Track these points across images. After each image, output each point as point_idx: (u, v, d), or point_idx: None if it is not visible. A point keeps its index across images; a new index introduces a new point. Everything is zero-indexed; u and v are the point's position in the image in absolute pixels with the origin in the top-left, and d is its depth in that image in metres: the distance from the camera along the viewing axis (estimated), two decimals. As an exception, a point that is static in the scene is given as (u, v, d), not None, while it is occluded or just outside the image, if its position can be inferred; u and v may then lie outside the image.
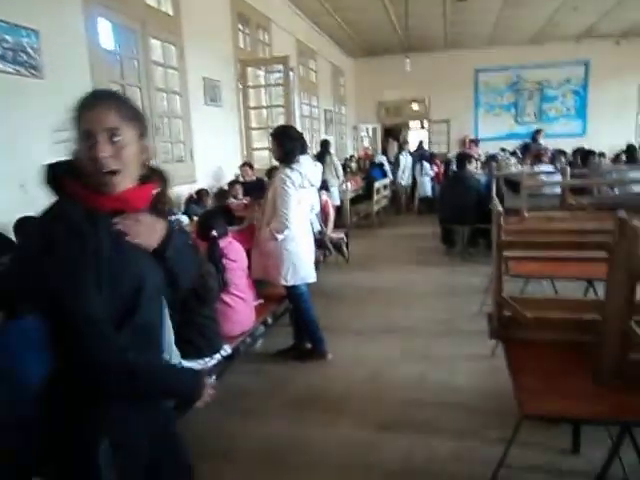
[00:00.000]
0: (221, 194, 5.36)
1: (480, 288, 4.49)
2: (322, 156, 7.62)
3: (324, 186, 5.97)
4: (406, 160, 10.21)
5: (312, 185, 3.45)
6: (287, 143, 3.25)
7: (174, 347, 2.44)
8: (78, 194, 1.13)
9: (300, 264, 3.40)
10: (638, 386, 1.47)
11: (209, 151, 5.88)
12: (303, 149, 3.33)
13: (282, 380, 3.34)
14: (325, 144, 8.01)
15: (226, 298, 3.09)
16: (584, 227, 2.03)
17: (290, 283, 3.40)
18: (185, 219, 4.51)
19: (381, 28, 10.29)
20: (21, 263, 1.17)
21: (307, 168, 3.32)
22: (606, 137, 11.55)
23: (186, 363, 2.55)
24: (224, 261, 3.08)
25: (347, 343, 3.86)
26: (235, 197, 5.59)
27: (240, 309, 3.13)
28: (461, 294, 4.85)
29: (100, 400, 1.12)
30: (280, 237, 3.27)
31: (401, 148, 10.60)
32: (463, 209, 6.09)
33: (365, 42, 11.75)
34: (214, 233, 3.02)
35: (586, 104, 12.94)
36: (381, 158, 10.52)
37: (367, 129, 14.33)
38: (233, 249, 3.18)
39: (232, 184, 5.78)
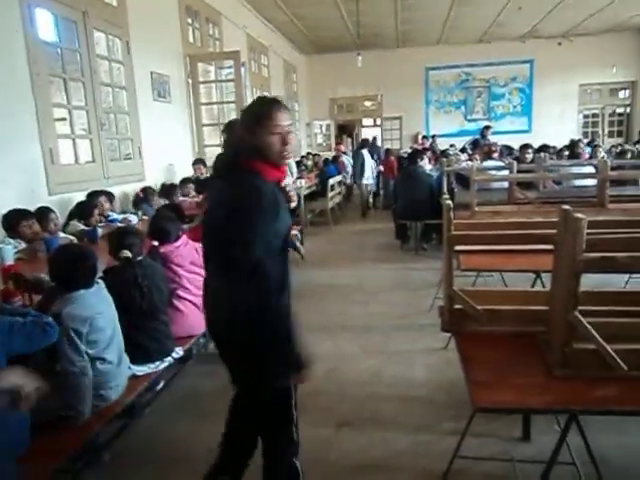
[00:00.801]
0: (167, 190, 5.20)
1: (434, 282, 4.56)
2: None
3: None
4: (369, 158, 9.99)
5: None
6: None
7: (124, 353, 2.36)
8: (259, 169, 1.63)
9: None
10: (583, 375, 1.51)
11: (159, 148, 5.72)
12: None
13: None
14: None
15: (177, 303, 3.02)
16: (531, 220, 2.08)
17: None
18: (134, 218, 4.36)
19: (333, 25, 10.30)
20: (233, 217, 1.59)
21: None
22: (550, 133, 12.00)
23: (136, 367, 2.47)
24: (172, 267, 3.00)
25: (306, 340, 3.83)
26: (187, 195, 5.48)
27: (191, 313, 3.05)
28: (416, 289, 4.92)
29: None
30: None
31: (362, 145, 10.26)
32: (416, 205, 6.17)
33: (317, 38, 11.74)
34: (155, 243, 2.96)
35: (531, 102, 13.41)
36: (345, 156, 10.52)
37: (320, 126, 14.33)
38: (179, 254, 3.08)
39: (184, 182, 5.65)
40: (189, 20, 6.68)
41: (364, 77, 12.30)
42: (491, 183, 5.23)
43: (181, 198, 5.31)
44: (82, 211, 3.94)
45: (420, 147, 9.71)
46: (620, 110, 13.65)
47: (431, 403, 2.88)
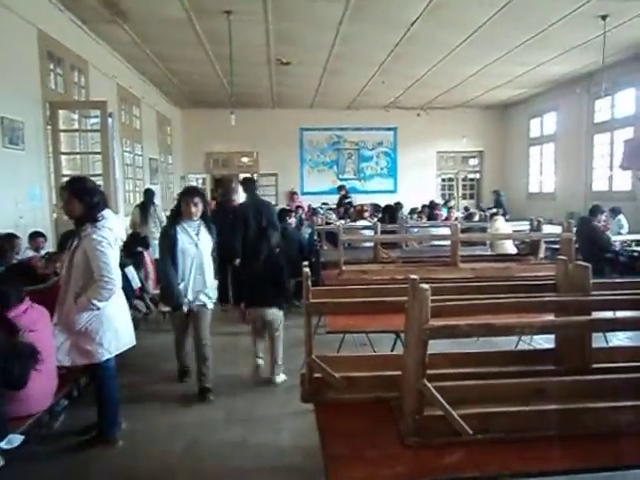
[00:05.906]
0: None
1: (304, 341, 4.54)
2: (145, 206, 7.24)
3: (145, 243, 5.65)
4: None
5: (119, 240, 3.16)
6: (88, 198, 2.90)
7: None
8: None
9: (123, 327, 3.08)
10: (434, 442, 1.53)
11: (8, 199, 5.17)
12: (105, 202, 3.04)
13: (87, 462, 2.93)
14: (149, 194, 7.62)
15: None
16: (388, 287, 2.16)
17: (114, 353, 3.02)
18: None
19: (208, 82, 10.38)
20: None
21: (114, 223, 3.02)
22: (413, 194, 13.03)
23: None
24: (22, 334, 2.63)
25: (164, 411, 3.56)
26: (37, 250, 4.98)
27: (37, 385, 2.65)
28: (287, 347, 4.84)
29: None
30: (102, 305, 2.90)
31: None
32: (288, 262, 6.19)
33: (192, 94, 11.73)
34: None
35: (396, 164, 14.52)
36: None
37: (197, 179, 14.14)
38: (31, 318, 2.73)
39: (34, 236, 5.12)
40: (51, 66, 6.29)
41: (240, 134, 12.46)
42: (358, 242, 5.47)
43: (30, 253, 4.81)
44: None
45: (294, 205, 9.94)
46: (471, 176, 15.30)
47: (299, 472, 2.79)
